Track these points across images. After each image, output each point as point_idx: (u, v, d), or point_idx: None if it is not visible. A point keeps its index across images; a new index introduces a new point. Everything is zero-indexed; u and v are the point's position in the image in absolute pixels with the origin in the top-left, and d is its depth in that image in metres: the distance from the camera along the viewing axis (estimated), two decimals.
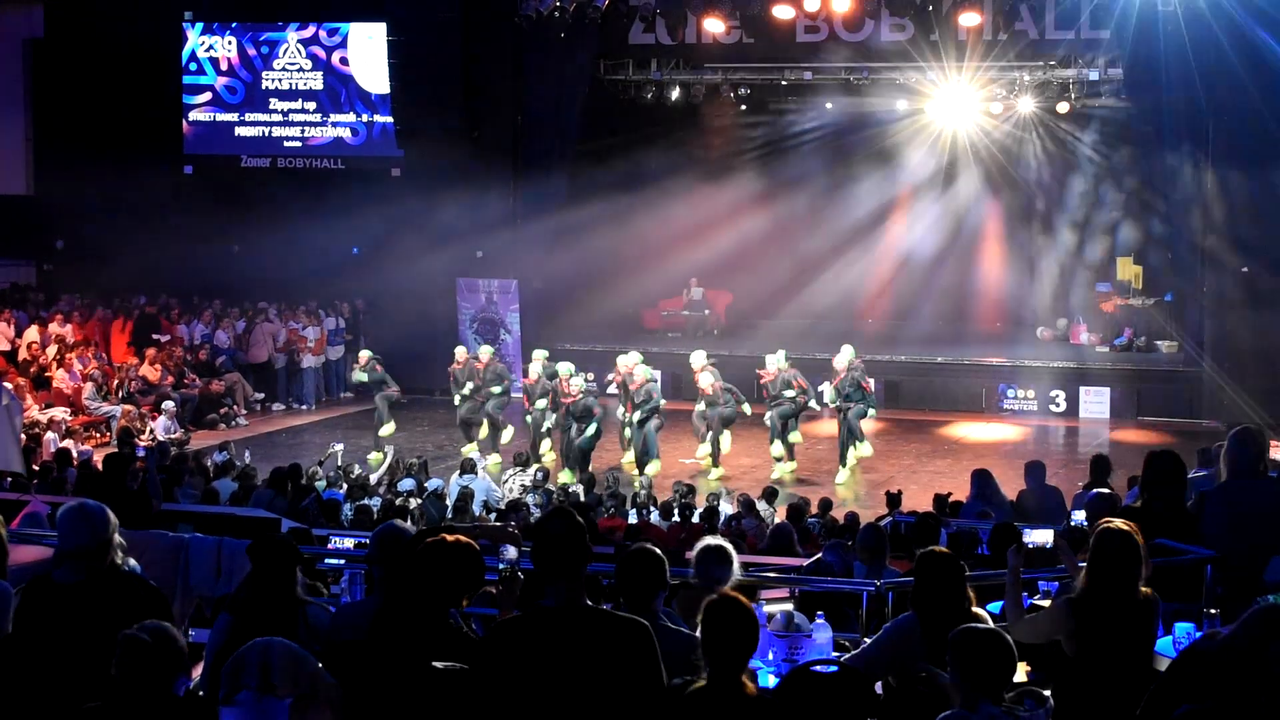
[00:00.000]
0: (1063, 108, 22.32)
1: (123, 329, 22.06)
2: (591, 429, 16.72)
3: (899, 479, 16.28)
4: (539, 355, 18.12)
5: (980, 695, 4.37)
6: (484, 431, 18.30)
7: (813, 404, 17.27)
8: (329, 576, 7.83)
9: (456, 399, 18.30)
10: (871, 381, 17.62)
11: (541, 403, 17.46)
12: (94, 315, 22.22)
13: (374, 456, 16.95)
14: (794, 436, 17.29)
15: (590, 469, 16.43)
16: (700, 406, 17.43)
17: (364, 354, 19.38)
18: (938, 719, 4.40)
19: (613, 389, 18.06)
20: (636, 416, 17.00)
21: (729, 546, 5.61)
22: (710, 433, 17.35)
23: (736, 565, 5.58)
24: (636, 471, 16.59)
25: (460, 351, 18.65)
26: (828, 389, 16.96)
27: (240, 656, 4.40)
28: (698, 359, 17.65)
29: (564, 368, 17.24)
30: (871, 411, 17.17)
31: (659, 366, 19.08)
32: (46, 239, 24.61)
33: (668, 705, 4.25)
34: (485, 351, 18.85)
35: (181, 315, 22.74)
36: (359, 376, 19.23)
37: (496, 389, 18.31)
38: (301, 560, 5.47)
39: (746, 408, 17.19)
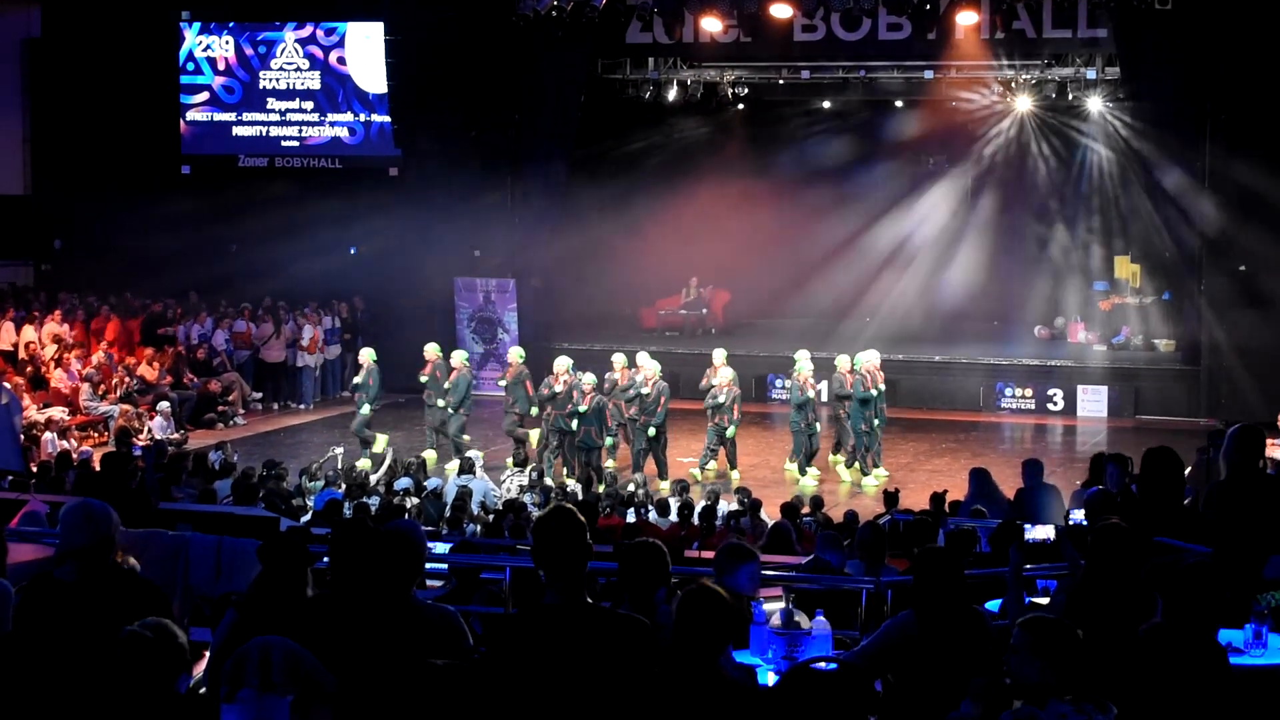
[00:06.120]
0: (1060, 106, 22.32)
1: (122, 327, 22.01)
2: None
3: (897, 477, 16.29)
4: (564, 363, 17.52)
5: (1059, 690, 4.39)
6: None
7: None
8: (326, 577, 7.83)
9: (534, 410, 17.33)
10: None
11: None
12: (111, 318, 22.11)
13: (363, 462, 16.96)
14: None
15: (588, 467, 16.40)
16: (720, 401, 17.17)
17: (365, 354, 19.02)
18: (1004, 715, 4.41)
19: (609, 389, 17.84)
20: (651, 431, 16.79)
21: (752, 548, 5.67)
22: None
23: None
24: (632, 471, 16.56)
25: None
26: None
27: (241, 655, 4.41)
28: (719, 355, 17.71)
29: (588, 378, 16.91)
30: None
31: None
32: (44, 239, 24.60)
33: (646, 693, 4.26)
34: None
35: (180, 315, 22.71)
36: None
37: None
38: (312, 561, 5.48)
39: (731, 430, 17.04)
